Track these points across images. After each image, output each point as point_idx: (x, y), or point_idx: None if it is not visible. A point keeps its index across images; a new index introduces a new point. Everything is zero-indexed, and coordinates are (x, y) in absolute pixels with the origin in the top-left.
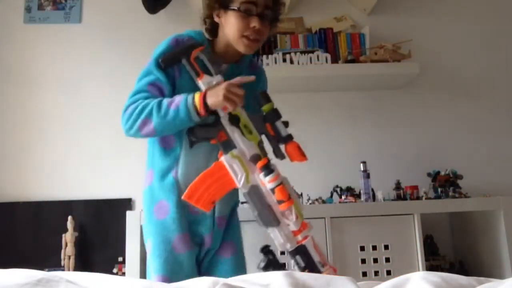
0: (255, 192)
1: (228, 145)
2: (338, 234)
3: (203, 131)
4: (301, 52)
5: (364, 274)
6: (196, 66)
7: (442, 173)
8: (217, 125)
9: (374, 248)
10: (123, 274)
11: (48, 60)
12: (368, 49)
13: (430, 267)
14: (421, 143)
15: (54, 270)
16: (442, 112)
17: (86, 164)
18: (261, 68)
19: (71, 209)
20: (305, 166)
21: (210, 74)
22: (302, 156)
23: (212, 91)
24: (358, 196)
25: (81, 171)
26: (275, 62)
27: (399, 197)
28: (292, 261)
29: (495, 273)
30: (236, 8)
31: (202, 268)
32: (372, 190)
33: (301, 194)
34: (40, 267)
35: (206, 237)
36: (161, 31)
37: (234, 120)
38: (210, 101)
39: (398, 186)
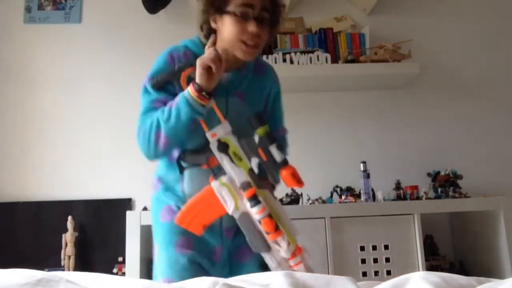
0: (245, 219)
1: (218, 171)
2: (338, 234)
3: (193, 157)
4: (301, 52)
5: (364, 274)
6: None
7: (442, 173)
8: (206, 151)
9: (374, 248)
10: (123, 274)
11: (48, 60)
12: (368, 49)
13: (430, 267)
14: (421, 143)
15: (54, 270)
16: (442, 112)
17: (86, 164)
18: (267, 69)
19: (71, 209)
20: (305, 166)
21: None
22: (298, 182)
23: (196, 74)
24: (358, 196)
25: (81, 171)
26: (275, 62)
27: (399, 197)
28: None
29: (495, 273)
30: (232, 11)
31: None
32: (372, 190)
33: (301, 194)
34: (40, 267)
35: (216, 249)
36: (161, 31)
37: (223, 147)
38: (199, 80)
39: (398, 186)
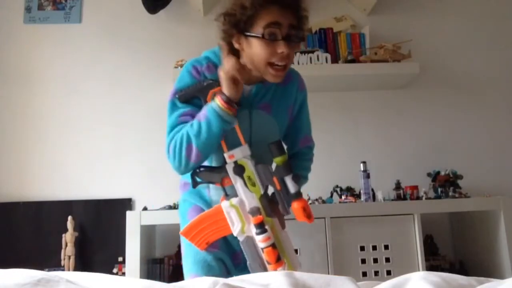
0: (249, 243)
1: (230, 192)
2: (338, 234)
3: (208, 174)
4: (301, 52)
5: (364, 274)
6: None
7: (442, 173)
8: (222, 171)
9: (374, 248)
10: (123, 274)
11: (48, 60)
12: (368, 49)
13: (430, 267)
14: (421, 143)
15: (54, 270)
16: (442, 112)
17: (86, 164)
18: (293, 77)
19: (71, 209)
20: None
21: None
22: (307, 217)
23: (221, 85)
24: (358, 196)
25: (81, 171)
26: None
27: (399, 197)
28: None
29: (495, 273)
30: (259, 35)
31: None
32: (372, 190)
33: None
34: (40, 267)
35: (238, 253)
36: (161, 31)
37: (239, 169)
38: (226, 91)
39: (398, 186)
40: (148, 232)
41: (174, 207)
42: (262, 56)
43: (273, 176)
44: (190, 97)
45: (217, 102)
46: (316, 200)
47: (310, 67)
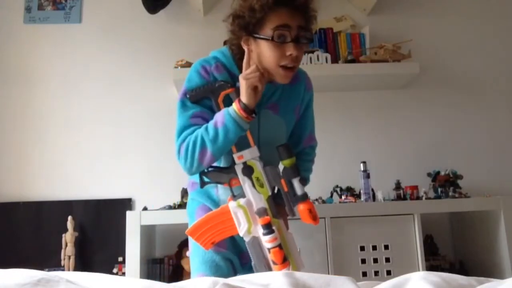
0: (255, 244)
1: (237, 192)
2: (338, 234)
3: (216, 175)
4: None
5: (364, 274)
6: (222, 107)
7: (442, 173)
8: (230, 172)
9: (374, 248)
10: (123, 274)
11: (48, 60)
12: (368, 49)
13: (430, 267)
14: (421, 143)
15: (54, 270)
16: (442, 112)
17: (86, 164)
18: (301, 76)
19: (71, 209)
20: None
21: None
22: (313, 219)
23: (241, 92)
24: (358, 196)
25: (81, 171)
26: None
27: (399, 197)
28: None
29: (495, 273)
30: (268, 37)
31: None
32: (372, 190)
33: None
34: (40, 267)
35: (245, 253)
36: (161, 31)
37: (248, 170)
38: (246, 100)
39: (398, 186)
40: (148, 232)
41: (174, 207)
42: (271, 58)
43: (282, 178)
44: (201, 98)
45: (236, 110)
46: (316, 200)
47: (310, 67)
